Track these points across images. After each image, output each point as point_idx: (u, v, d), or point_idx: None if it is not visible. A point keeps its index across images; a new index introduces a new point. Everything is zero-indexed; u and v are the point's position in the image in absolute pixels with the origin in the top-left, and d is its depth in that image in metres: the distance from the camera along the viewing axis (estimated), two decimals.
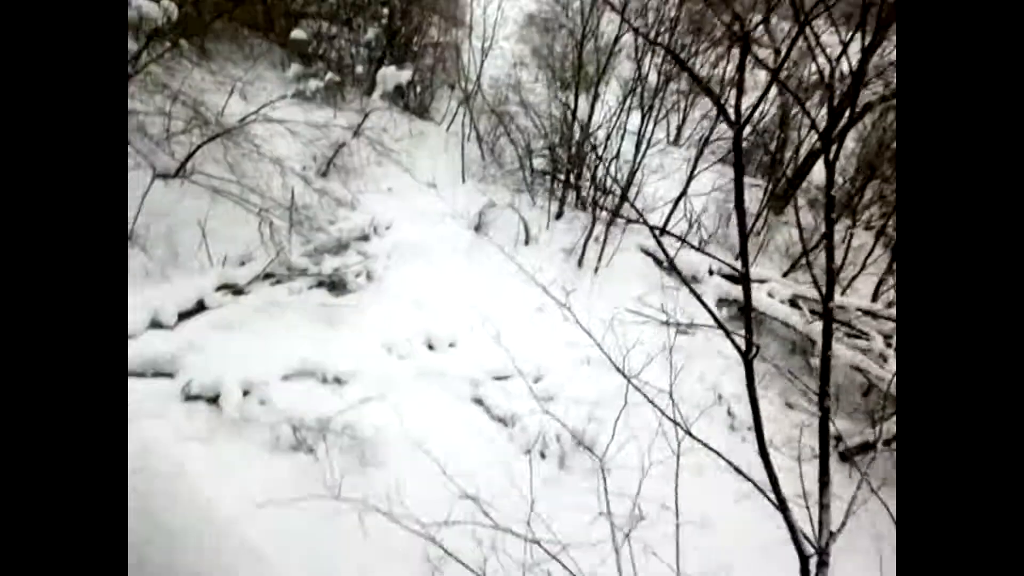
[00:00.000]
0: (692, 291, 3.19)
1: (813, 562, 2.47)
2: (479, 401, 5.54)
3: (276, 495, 3.45)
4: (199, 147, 5.66)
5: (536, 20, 10.17)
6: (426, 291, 6.43)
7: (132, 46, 5.38)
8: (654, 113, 7.86)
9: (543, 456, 5.10)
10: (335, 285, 6.20)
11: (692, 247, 3.15)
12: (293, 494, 3.42)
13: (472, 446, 4.91)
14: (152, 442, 3.95)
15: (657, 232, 3.40)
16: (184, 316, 5.11)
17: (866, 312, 6.41)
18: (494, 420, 5.41)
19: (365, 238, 6.74)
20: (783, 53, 5.88)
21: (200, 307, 5.24)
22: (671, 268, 7.40)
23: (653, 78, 7.94)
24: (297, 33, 6.92)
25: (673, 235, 4.13)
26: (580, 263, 7.17)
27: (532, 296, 6.36)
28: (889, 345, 5.98)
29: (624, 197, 7.11)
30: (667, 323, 3.76)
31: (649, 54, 7.83)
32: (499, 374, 5.65)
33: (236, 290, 5.56)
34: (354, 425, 4.69)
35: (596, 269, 7.12)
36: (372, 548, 3.64)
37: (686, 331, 6.58)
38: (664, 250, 3.12)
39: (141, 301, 4.92)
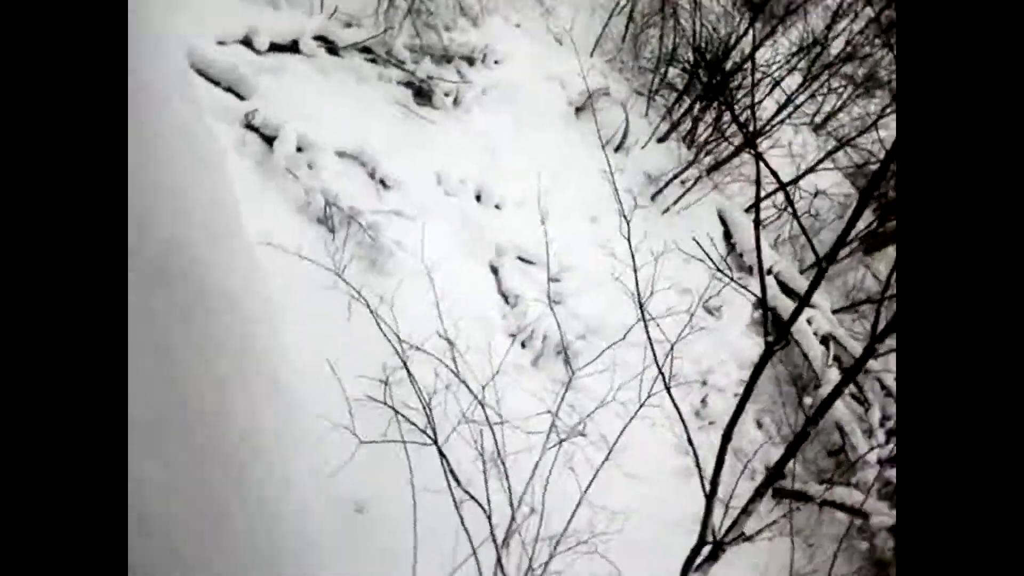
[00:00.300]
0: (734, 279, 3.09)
1: (707, 549, 2.63)
2: (495, 270, 5.61)
3: (285, 246, 3.61)
4: None
5: None
6: (501, 143, 6.23)
7: None
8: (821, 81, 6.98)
9: (523, 346, 5.27)
10: (421, 92, 6.01)
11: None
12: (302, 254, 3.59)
13: (469, 303, 5.06)
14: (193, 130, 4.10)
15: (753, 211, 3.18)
16: (277, 49, 5.03)
17: (883, 387, 6.19)
18: (499, 293, 5.52)
19: (471, 61, 6.39)
20: None
21: (294, 47, 5.14)
22: (732, 251, 7.07)
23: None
24: None
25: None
26: (654, 197, 6.84)
27: (596, 202, 6.17)
28: (882, 424, 5.85)
29: (750, 144, 6.51)
30: (720, 273, 3.61)
31: None
32: (525, 256, 5.67)
33: (331, 48, 5.41)
34: (379, 230, 4.81)
35: (667, 209, 6.80)
36: (353, 334, 3.90)
37: (713, 312, 6.46)
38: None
39: (242, 17, 4.82)
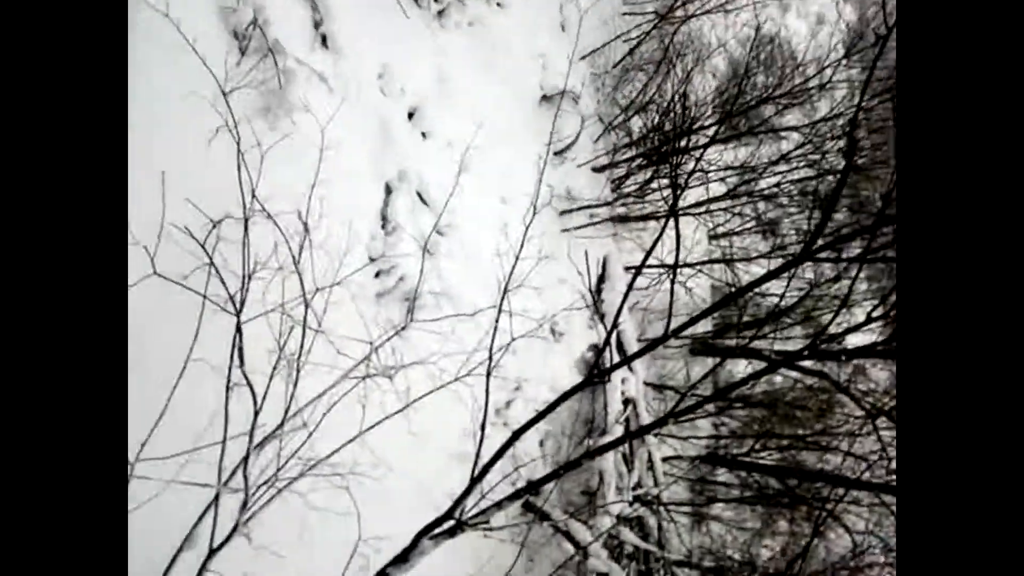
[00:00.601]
0: None
1: (449, 524, 2.68)
2: (388, 190, 5.30)
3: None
4: None
5: None
6: (459, 77, 5.92)
7: None
8: None
9: (377, 275, 5.04)
10: None
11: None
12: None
13: (347, 200, 4.67)
14: None
15: None
16: None
17: (649, 460, 7.03)
18: (380, 214, 5.22)
19: None
20: None
21: None
22: (597, 296, 7.53)
23: None
24: None
25: None
26: (563, 214, 7.04)
27: (514, 185, 6.13)
28: (634, 489, 6.59)
29: (673, 213, 6.98)
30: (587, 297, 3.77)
31: None
32: (425, 195, 5.44)
33: None
34: (293, 80, 4.26)
35: (567, 229, 7.03)
36: (212, 167, 3.37)
37: (555, 335, 6.80)
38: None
39: None
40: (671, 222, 3.39)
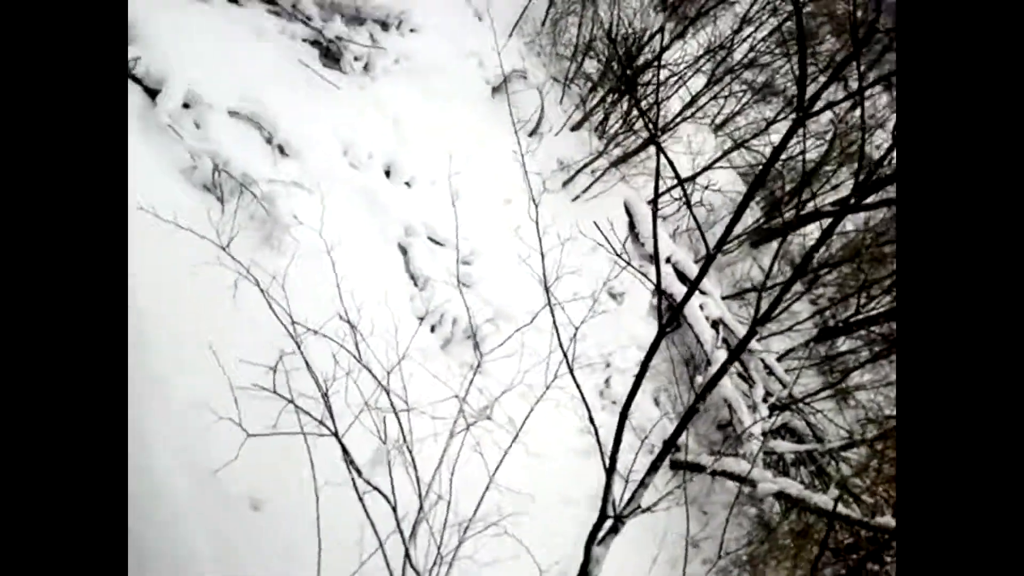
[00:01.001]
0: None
1: (608, 523, 2.71)
2: (403, 250, 5.40)
3: (163, 214, 3.20)
4: None
5: None
6: (413, 117, 5.97)
7: None
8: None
9: (432, 329, 5.15)
10: (329, 53, 5.60)
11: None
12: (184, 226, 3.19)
13: (374, 284, 4.83)
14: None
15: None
16: None
17: (766, 366, 6.83)
18: (407, 274, 5.33)
19: (384, 25, 6.04)
20: None
21: None
22: (635, 240, 7.39)
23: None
24: None
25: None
26: (565, 184, 6.94)
27: (509, 185, 6.12)
28: (765, 400, 6.44)
29: (653, 139, 6.77)
30: (621, 259, 3.74)
31: None
32: (436, 237, 5.51)
33: None
34: (274, 201, 4.41)
35: (576, 197, 6.93)
36: (240, 315, 3.56)
37: (616, 298, 6.72)
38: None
39: None
40: (660, 150, 3.28)
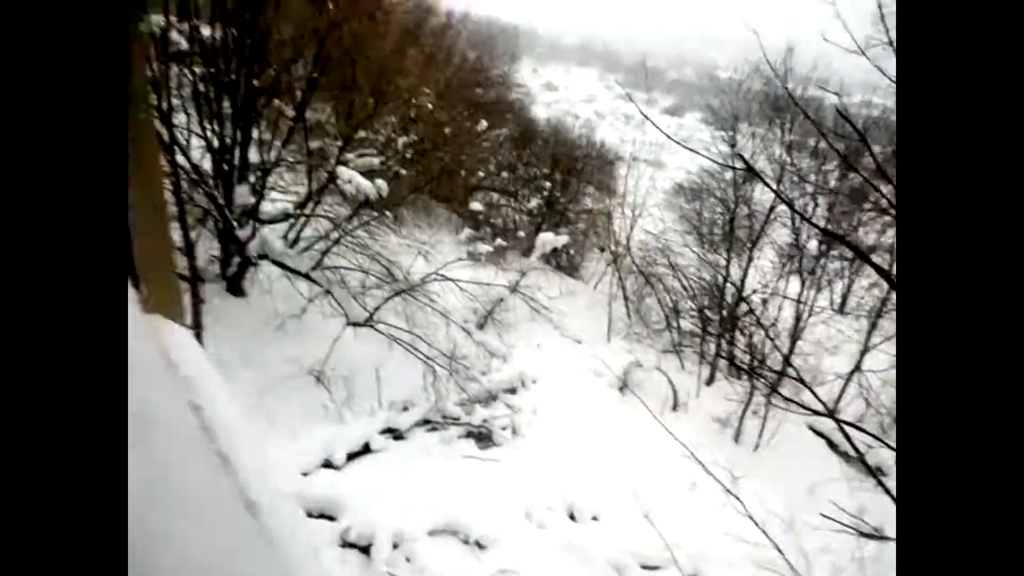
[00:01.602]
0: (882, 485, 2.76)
1: None
2: None
3: None
4: (387, 300, 6.53)
5: (684, 190, 10.76)
6: (569, 452, 6.30)
7: (343, 211, 6.62)
8: (815, 279, 7.55)
9: None
10: (482, 436, 6.36)
11: (873, 436, 2.81)
12: None
13: None
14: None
15: (833, 416, 3.11)
16: (352, 456, 5.52)
17: None
18: None
19: (513, 391, 6.97)
20: None
21: (366, 449, 5.65)
22: (860, 461, 6.49)
23: (813, 244, 7.76)
24: (475, 206, 8.04)
25: (851, 424, 3.66)
26: (737, 438, 6.61)
27: (684, 469, 5.91)
28: None
29: (787, 365, 6.60)
30: (862, 534, 3.25)
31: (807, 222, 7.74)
32: (648, 562, 5.12)
33: (397, 435, 5.95)
34: None
35: (756, 446, 6.49)
36: None
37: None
38: (851, 440, 2.84)
39: (319, 439, 5.45)
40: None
